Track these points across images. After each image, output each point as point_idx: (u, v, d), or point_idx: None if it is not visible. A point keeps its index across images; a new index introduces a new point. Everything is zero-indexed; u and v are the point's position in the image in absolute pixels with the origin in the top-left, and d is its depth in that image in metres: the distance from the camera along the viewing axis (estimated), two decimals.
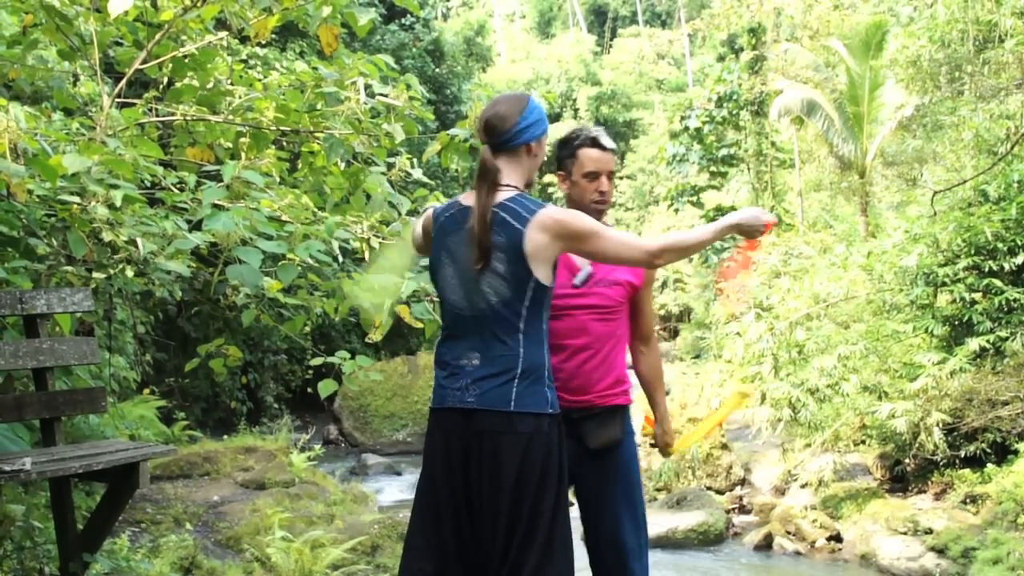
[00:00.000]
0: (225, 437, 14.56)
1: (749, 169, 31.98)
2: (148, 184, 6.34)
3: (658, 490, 17.73)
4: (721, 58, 39.99)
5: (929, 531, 13.04)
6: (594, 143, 4.37)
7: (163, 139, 6.96)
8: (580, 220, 3.71)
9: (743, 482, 16.93)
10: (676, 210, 37.29)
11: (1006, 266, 14.21)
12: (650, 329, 4.60)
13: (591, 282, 4.28)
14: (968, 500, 13.45)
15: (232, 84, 6.89)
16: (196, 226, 5.66)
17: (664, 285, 48.83)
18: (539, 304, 3.73)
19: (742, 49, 32.74)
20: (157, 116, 6.70)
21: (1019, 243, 14.29)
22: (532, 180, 3.99)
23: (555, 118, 61.78)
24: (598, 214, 4.24)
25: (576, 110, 62.22)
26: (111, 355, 10.20)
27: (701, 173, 34.05)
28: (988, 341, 13.82)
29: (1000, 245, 14.36)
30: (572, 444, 4.09)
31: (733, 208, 33.45)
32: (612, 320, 4.33)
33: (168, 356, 15.61)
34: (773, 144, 31.70)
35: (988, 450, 13.49)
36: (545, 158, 4.06)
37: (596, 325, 4.27)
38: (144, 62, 6.43)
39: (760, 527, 14.29)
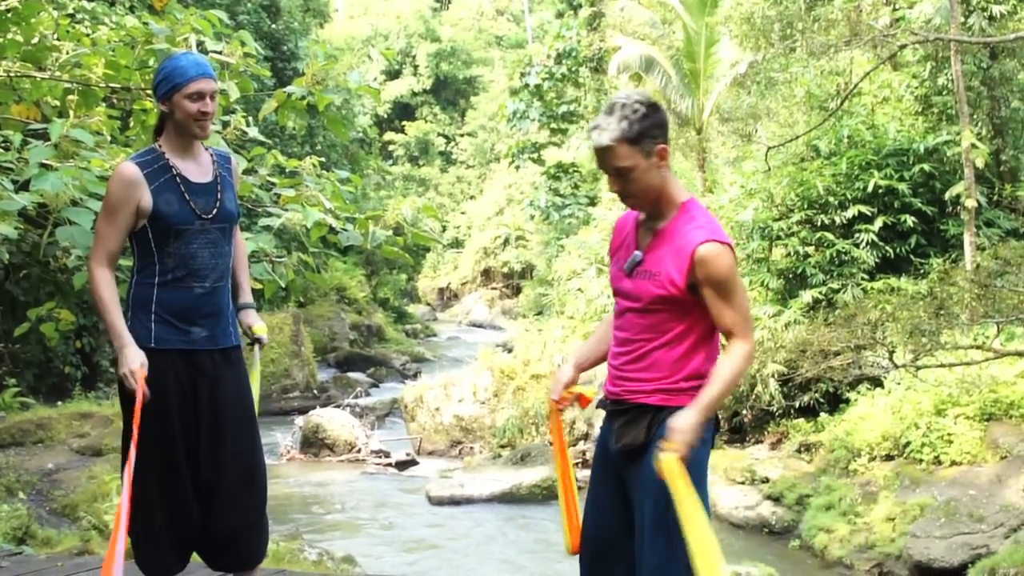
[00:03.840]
0: (59, 403, 14.21)
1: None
2: None
3: (502, 446, 17.90)
4: (560, 14, 40.21)
5: (765, 480, 13.44)
6: (590, 137, 3.78)
7: None
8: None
9: (586, 437, 17.15)
10: (517, 167, 37.48)
11: (837, 220, 14.66)
12: (728, 328, 3.65)
13: (637, 269, 3.76)
14: (803, 449, 13.87)
15: (58, 39, 6.68)
16: (23, 186, 5.49)
17: (506, 242, 49.10)
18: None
19: (580, 6, 32.99)
20: None
21: (849, 197, 14.75)
22: (174, 133, 4.12)
23: (395, 75, 61.43)
24: (654, 223, 3.76)
25: (416, 67, 62.00)
26: None
27: (542, 130, 34.25)
28: (821, 293, 14.26)
29: (831, 199, 14.80)
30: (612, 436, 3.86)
31: (574, 165, 33.75)
32: (652, 316, 3.76)
33: None
34: None
35: (821, 400, 13.94)
36: (182, 114, 4.05)
37: (635, 318, 3.79)
38: None
39: None
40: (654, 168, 3.62)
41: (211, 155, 4.25)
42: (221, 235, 4.14)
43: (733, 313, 3.62)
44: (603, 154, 3.58)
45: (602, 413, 4.03)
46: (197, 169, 4.12)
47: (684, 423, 3.51)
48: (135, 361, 3.87)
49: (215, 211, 4.11)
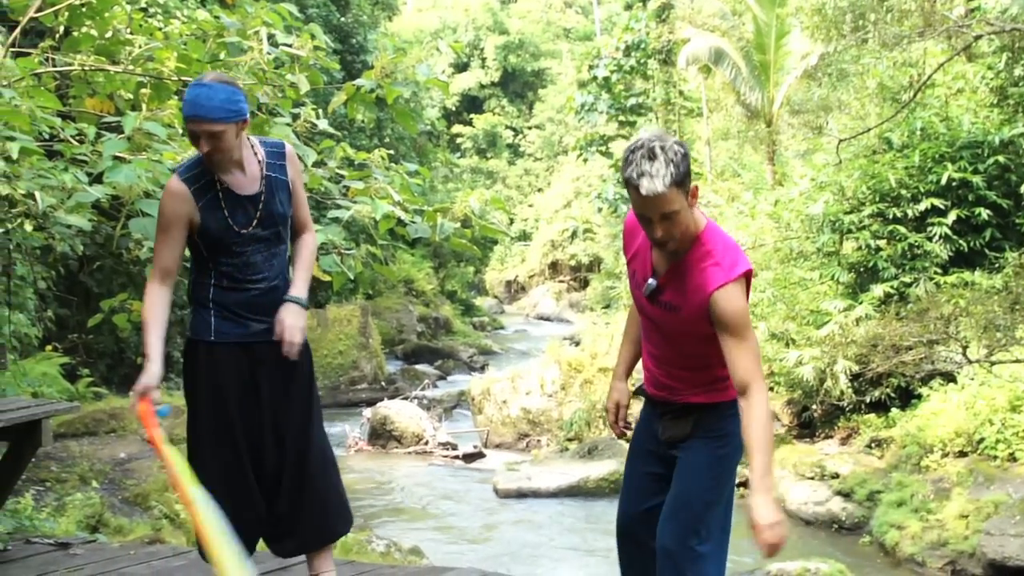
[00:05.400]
0: (131, 393, 14.38)
1: (657, 118, 32.08)
2: (46, 136, 6.20)
3: (569, 440, 17.86)
4: (629, 6, 39.97)
5: (836, 476, 13.31)
6: (635, 185, 3.49)
7: (61, 90, 6.80)
8: None
9: None
10: (585, 160, 37.36)
11: (909, 213, 14.47)
12: (742, 381, 3.60)
13: (657, 299, 3.76)
14: (873, 444, 13.73)
15: (132, 33, 6.75)
16: (97, 179, 5.55)
17: (574, 235, 48.97)
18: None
19: None
20: (54, 66, 6.55)
21: (922, 190, 14.55)
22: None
23: (463, 68, 61.49)
24: (671, 256, 3.70)
25: (484, 59, 62.00)
26: (11, 311, 10.03)
27: (609, 123, 34.12)
28: (892, 287, 14.09)
29: (904, 192, 14.61)
30: (658, 424, 4.00)
31: None
32: (677, 343, 3.83)
33: (71, 312, 15.33)
34: (681, 93, 31.84)
35: (892, 395, 13.77)
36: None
37: (663, 340, 3.86)
38: (39, 10, 6.27)
39: None
40: (688, 211, 3.57)
41: (260, 156, 4.19)
42: (274, 237, 4.19)
43: (747, 356, 3.61)
44: (655, 200, 3.46)
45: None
46: (244, 179, 4.11)
47: (769, 516, 3.50)
48: (140, 382, 3.97)
49: (261, 220, 4.12)
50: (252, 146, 4.16)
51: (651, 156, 3.44)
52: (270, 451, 4.20)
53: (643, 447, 4.11)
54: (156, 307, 4.05)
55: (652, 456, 4.04)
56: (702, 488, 3.86)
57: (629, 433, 4.22)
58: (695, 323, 3.66)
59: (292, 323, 4.10)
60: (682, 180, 3.47)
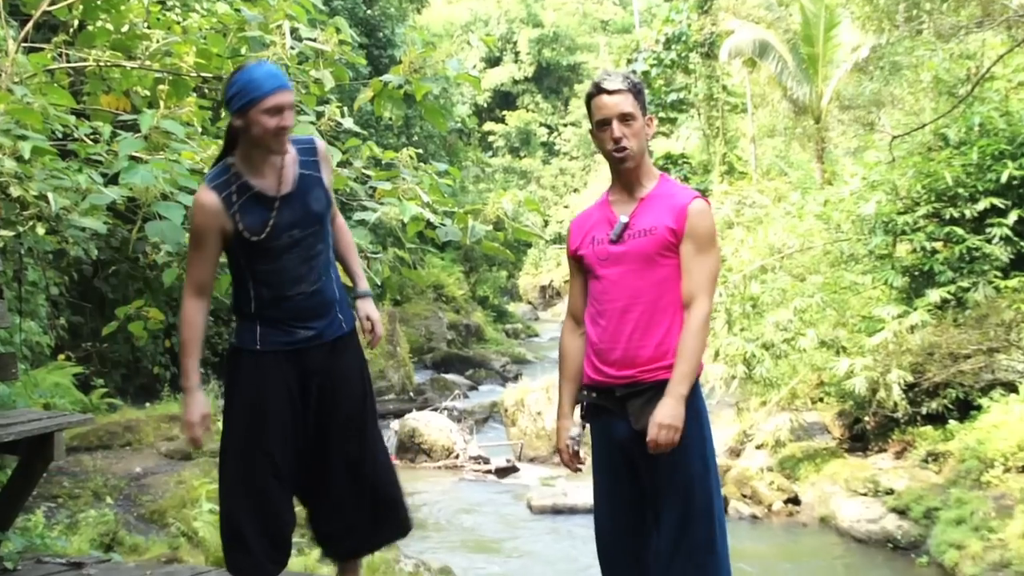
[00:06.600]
0: (147, 405, 14.45)
1: (699, 114, 32.06)
2: (59, 135, 6.22)
3: None
4: None
5: (890, 492, 13.21)
6: (597, 88, 4.11)
7: (75, 86, 6.83)
8: None
9: None
10: None
11: (967, 213, 14.35)
12: (691, 292, 4.00)
13: (626, 234, 4.07)
14: (930, 458, 13.62)
15: (149, 27, 6.77)
16: (112, 180, 5.56)
17: None
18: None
19: None
20: (68, 62, 6.58)
21: (980, 189, 14.42)
22: (250, 148, 4.11)
23: (495, 62, 61.50)
24: (619, 163, 4.10)
25: (517, 53, 61.97)
26: (22, 319, 10.07)
27: None
28: (949, 292, 13.97)
29: (961, 191, 14.50)
30: (625, 425, 4.06)
31: (683, 156, 33.58)
32: (652, 273, 4.04)
33: (84, 319, 15.41)
34: (724, 88, 31.75)
35: (950, 406, 13.65)
36: (259, 129, 4.01)
37: (633, 280, 4.04)
38: (52, 3, 6.30)
39: None
40: (645, 131, 4.12)
41: (293, 156, 4.23)
42: (313, 237, 4.20)
43: (704, 270, 4.02)
44: (614, 99, 4.04)
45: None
46: (275, 182, 4.14)
47: (669, 417, 3.85)
48: (195, 413, 4.04)
49: (297, 221, 4.15)
50: None
51: (607, 74, 4.14)
52: (315, 466, 4.25)
53: (606, 463, 4.28)
54: (196, 326, 4.12)
55: (622, 468, 4.20)
56: (704, 505, 4.04)
57: (583, 465, 4.40)
58: (671, 234, 4.02)
59: (376, 315, 4.38)
60: (638, 91, 4.10)
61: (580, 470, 4.38)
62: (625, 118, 4.05)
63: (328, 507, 4.32)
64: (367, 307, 4.41)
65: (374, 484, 4.38)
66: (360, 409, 4.37)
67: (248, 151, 4.09)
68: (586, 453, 4.40)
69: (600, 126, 4.11)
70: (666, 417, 3.84)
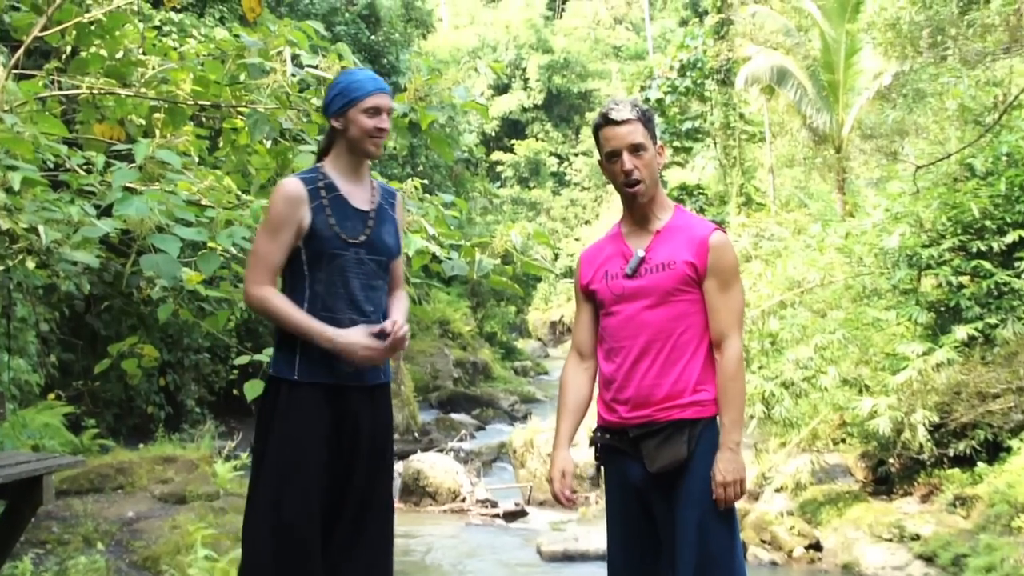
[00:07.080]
0: (141, 446, 14.39)
1: (716, 143, 32.12)
2: (51, 165, 6.24)
3: None
4: (684, 22, 40.27)
5: (916, 537, 13.13)
6: (605, 118, 4.17)
7: (67, 115, 6.85)
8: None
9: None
10: None
11: (995, 246, 14.31)
12: (720, 332, 4.05)
13: (643, 268, 4.08)
14: (958, 502, 13.54)
15: (144, 53, 6.80)
16: (105, 211, 5.56)
17: None
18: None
19: (707, 12, 32.90)
20: (60, 89, 6.60)
21: (1008, 221, 14.38)
22: (345, 152, 4.30)
23: (503, 89, 61.66)
24: (632, 198, 4.14)
25: (526, 80, 62.17)
26: (11, 356, 10.08)
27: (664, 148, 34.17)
28: (977, 328, 13.92)
29: (988, 223, 14.47)
30: (639, 467, 4.05)
31: (699, 186, 33.60)
32: (669, 308, 4.04)
33: (76, 357, 15.42)
34: (741, 116, 31.83)
35: (978, 448, 13.59)
36: (357, 129, 4.22)
37: (649, 316, 4.04)
38: (44, 29, 6.32)
39: None
40: (656, 161, 4.17)
41: (376, 186, 4.39)
42: (377, 268, 4.26)
43: (733, 308, 4.07)
44: (623, 128, 4.08)
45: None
46: (360, 195, 4.28)
47: (732, 472, 3.92)
48: (360, 342, 4.10)
49: (368, 239, 4.22)
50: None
51: (616, 103, 4.16)
52: (343, 516, 4.21)
53: (620, 507, 4.25)
54: (280, 296, 4.16)
55: (635, 510, 4.17)
56: (722, 551, 4.00)
57: (575, 500, 4.39)
58: (691, 269, 4.03)
59: (403, 319, 4.31)
60: (648, 120, 4.16)
61: (573, 502, 4.35)
62: (635, 149, 4.09)
63: (334, 550, 4.21)
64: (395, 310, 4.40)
65: (382, 539, 4.35)
66: (386, 471, 4.39)
67: (341, 156, 4.28)
68: (599, 495, 4.41)
69: (610, 158, 4.15)
70: (728, 473, 3.91)
